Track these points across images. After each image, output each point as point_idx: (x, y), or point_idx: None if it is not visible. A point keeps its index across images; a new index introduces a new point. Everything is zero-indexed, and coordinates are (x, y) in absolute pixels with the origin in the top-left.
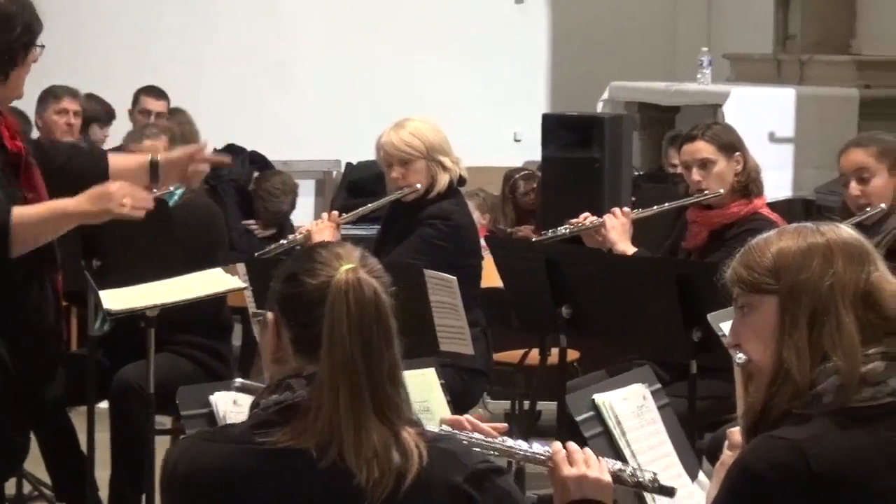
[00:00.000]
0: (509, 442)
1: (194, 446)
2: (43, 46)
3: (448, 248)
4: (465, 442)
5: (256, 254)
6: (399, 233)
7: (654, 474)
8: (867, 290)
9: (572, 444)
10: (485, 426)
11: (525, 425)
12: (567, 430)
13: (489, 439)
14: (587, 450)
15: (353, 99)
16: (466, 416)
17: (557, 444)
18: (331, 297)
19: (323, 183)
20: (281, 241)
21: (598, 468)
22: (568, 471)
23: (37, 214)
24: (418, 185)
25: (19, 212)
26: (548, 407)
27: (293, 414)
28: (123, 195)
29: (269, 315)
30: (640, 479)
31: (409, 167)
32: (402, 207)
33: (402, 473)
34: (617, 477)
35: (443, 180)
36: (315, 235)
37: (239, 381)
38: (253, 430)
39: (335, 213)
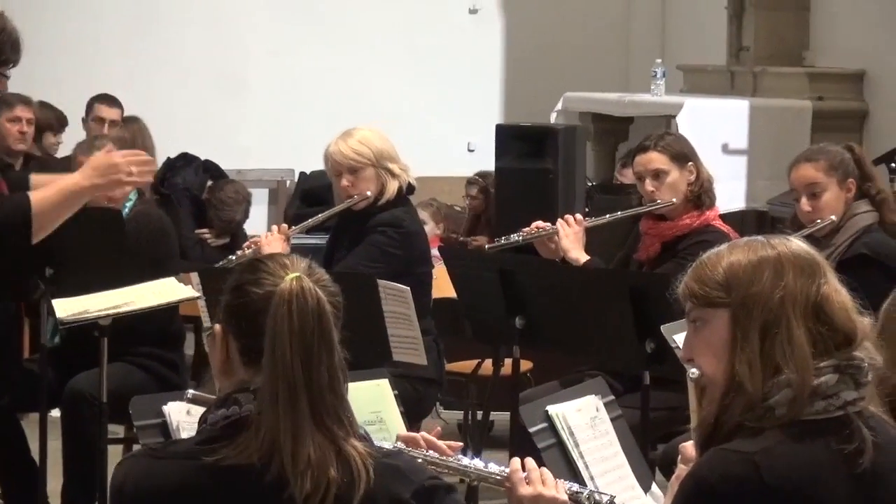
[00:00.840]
0: (465, 461)
1: (141, 464)
2: (8, 77)
3: (399, 256)
4: (417, 459)
5: (204, 267)
6: (350, 241)
7: (612, 497)
8: (818, 302)
9: (530, 463)
10: (440, 444)
11: (478, 436)
12: (520, 441)
13: (444, 458)
14: (544, 469)
15: (306, 108)
16: (422, 433)
17: (515, 463)
18: (273, 306)
19: (276, 192)
20: (230, 258)
21: (555, 487)
22: (524, 490)
23: (51, 198)
24: (368, 193)
25: (36, 198)
26: (500, 417)
27: (240, 429)
28: (129, 163)
29: (217, 327)
30: (598, 501)
31: (359, 175)
32: (352, 216)
33: (347, 489)
34: (574, 498)
35: (392, 187)
36: (264, 248)
37: (191, 392)
38: (200, 446)
39: (284, 225)
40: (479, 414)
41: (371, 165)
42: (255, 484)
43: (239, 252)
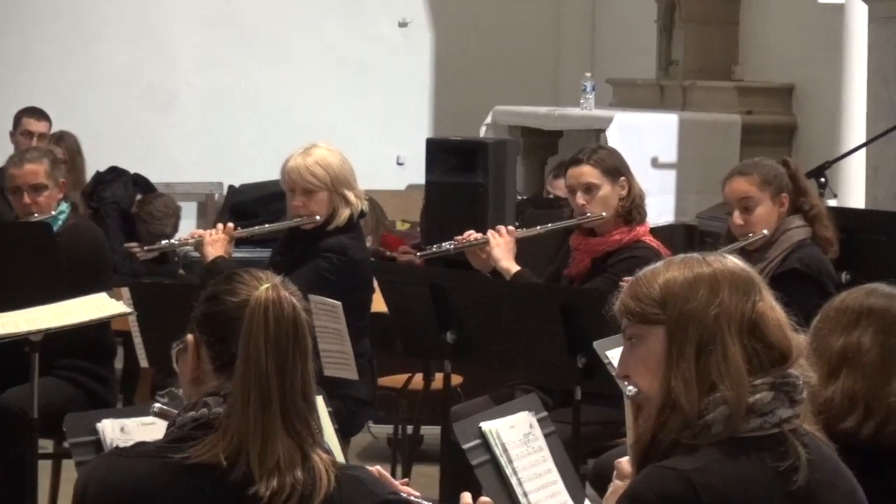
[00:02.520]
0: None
1: (106, 462)
2: None
3: (339, 283)
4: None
5: (146, 247)
6: (294, 258)
7: None
8: (753, 319)
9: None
10: (390, 478)
11: (407, 450)
12: (451, 455)
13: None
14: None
15: (235, 121)
16: (377, 467)
17: (466, 498)
18: (249, 311)
19: (205, 205)
20: (171, 241)
21: None
22: None
23: None
24: (318, 217)
25: None
26: (430, 432)
27: (209, 430)
28: None
29: (190, 337)
30: None
31: (312, 197)
32: (300, 233)
33: (308, 494)
34: None
35: (343, 214)
36: (207, 246)
37: (157, 406)
38: (168, 445)
39: (230, 225)
40: (409, 428)
41: (325, 189)
42: (220, 482)
43: (182, 237)
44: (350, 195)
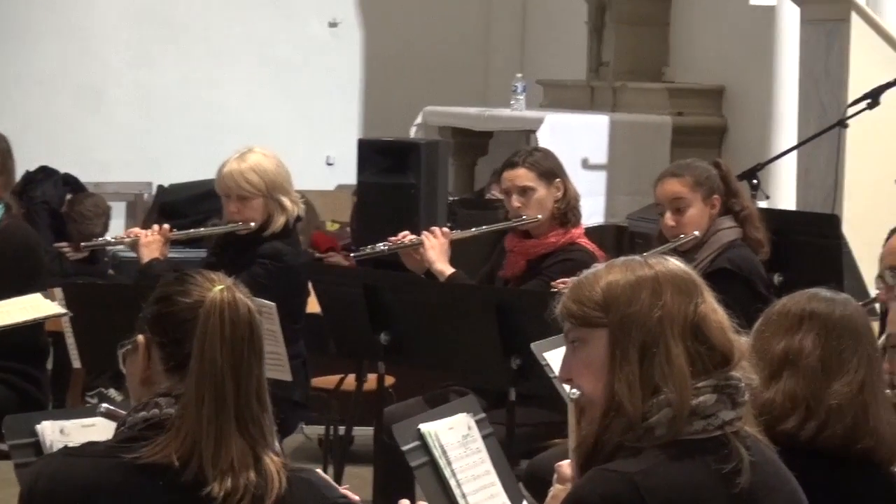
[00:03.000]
0: None
1: (55, 461)
2: None
3: (274, 289)
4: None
5: (83, 244)
6: (228, 261)
7: None
8: (696, 322)
9: None
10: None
11: (339, 451)
12: (383, 456)
13: None
14: None
15: (165, 121)
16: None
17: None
18: (205, 312)
19: (134, 205)
20: (107, 238)
21: None
22: None
23: None
24: (252, 224)
25: None
26: (361, 433)
27: (160, 430)
28: None
29: (140, 338)
30: None
31: (247, 203)
32: (235, 237)
33: (260, 495)
34: None
35: (279, 221)
36: (143, 247)
37: (104, 406)
38: (119, 445)
39: (166, 226)
40: (341, 429)
41: (261, 196)
42: (172, 482)
43: (117, 235)
44: (285, 201)
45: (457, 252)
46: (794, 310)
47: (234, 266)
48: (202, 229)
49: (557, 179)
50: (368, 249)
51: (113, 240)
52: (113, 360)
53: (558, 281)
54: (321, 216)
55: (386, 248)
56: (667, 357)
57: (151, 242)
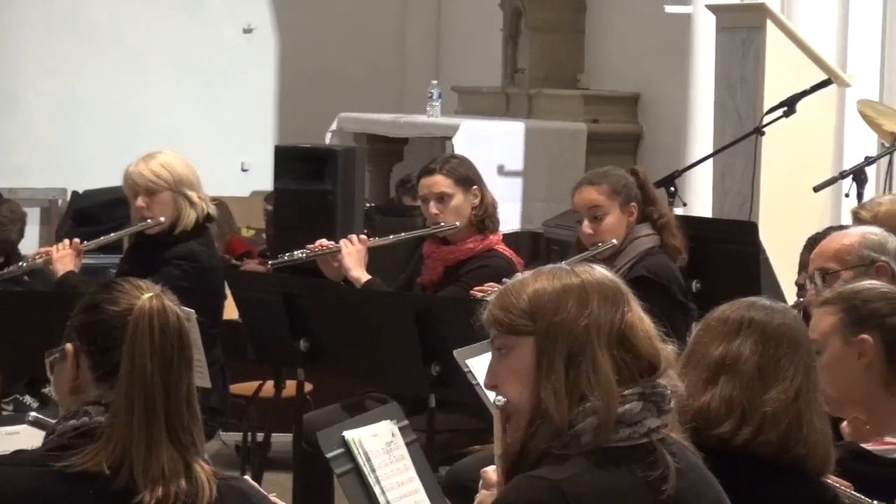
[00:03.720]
0: None
1: None
2: None
3: (192, 290)
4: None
5: None
6: (142, 266)
7: None
8: (622, 330)
9: None
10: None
11: (257, 458)
12: (302, 462)
13: None
14: None
15: (80, 127)
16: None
17: None
18: (134, 320)
19: (49, 211)
20: (20, 263)
21: None
22: None
23: None
24: (162, 219)
25: None
26: (278, 439)
27: (90, 439)
28: None
29: (69, 346)
30: None
31: (155, 198)
32: (148, 240)
33: (191, 503)
34: None
35: (189, 217)
36: (56, 263)
37: (32, 415)
38: (48, 453)
39: (76, 240)
40: (260, 436)
41: (169, 189)
42: (102, 490)
43: (30, 257)
44: (193, 196)
45: (375, 260)
46: (733, 316)
47: (148, 269)
48: (112, 234)
49: (475, 186)
50: (286, 257)
51: (24, 265)
52: (28, 367)
53: (476, 288)
54: (237, 222)
55: (303, 255)
56: (593, 365)
57: (64, 257)
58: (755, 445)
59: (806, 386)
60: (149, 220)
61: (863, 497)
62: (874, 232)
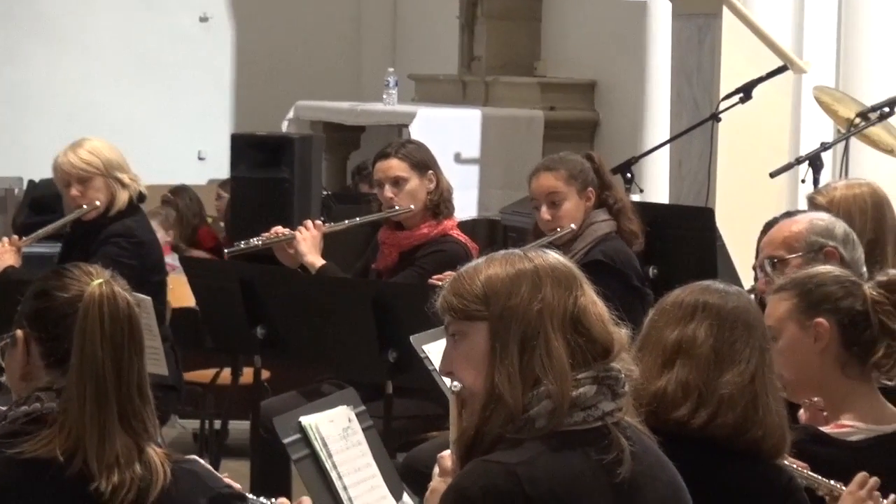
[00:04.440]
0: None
1: None
2: None
3: (133, 266)
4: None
5: None
6: (81, 253)
7: None
8: (576, 314)
9: (305, 500)
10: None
11: (215, 445)
12: (259, 449)
13: None
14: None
15: (35, 116)
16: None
17: (283, 499)
18: (84, 307)
19: (4, 200)
20: None
21: None
22: None
23: None
24: (97, 203)
25: None
26: (235, 426)
27: (42, 425)
28: None
29: (19, 333)
30: None
31: (88, 185)
32: (84, 227)
33: (146, 487)
34: None
35: (122, 198)
36: None
37: None
38: (0, 440)
39: (15, 237)
40: (217, 423)
41: (100, 175)
42: (56, 477)
43: None
44: (124, 177)
45: (331, 247)
46: (687, 300)
47: (88, 253)
48: (49, 226)
49: (430, 171)
50: (242, 245)
51: None
52: None
53: (435, 277)
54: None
55: (259, 242)
56: (546, 349)
57: (4, 254)
58: (712, 428)
59: (761, 368)
60: (85, 206)
61: (819, 477)
62: (822, 218)
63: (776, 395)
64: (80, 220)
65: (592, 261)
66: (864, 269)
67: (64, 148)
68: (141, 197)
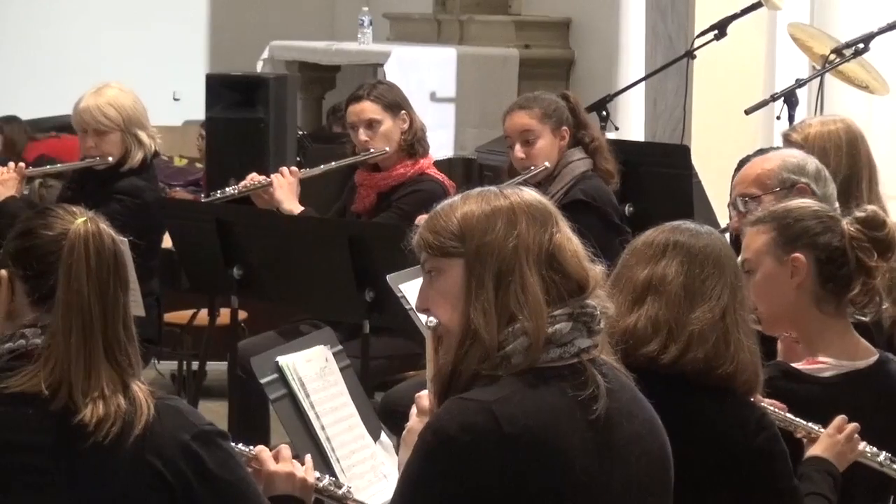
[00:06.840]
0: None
1: None
2: None
3: (133, 226)
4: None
5: None
6: (86, 196)
7: (349, 488)
8: (551, 251)
9: (283, 448)
10: None
11: (193, 386)
12: (237, 390)
13: None
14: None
15: (7, 58)
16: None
17: (261, 446)
18: (69, 244)
19: None
20: None
21: (305, 470)
22: (275, 466)
23: None
24: (110, 158)
25: None
26: (214, 367)
27: (27, 360)
28: None
29: (3, 272)
30: (333, 491)
31: (104, 137)
32: (92, 174)
33: (130, 421)
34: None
35: (137, 156)
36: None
37: None
38: None
39: (21, 164)
40: (195, 364)
41: (118, 130)
42: (41, 410)
43: None
44: (143, 135)
45: (307, 192)
46: (658, 239)
47: (92, 200)
48: (59, 165)
49: (403, 111)
50: (219, 194)
51: None
52: None
53: (419, 218)
54: (168, 152)
55: (235, 191)
56: (522, 286)
57: (7, 181)
58: (682, 364)
59: (732, 305)
60: (97, 158)
61: (797, 419)
62: (794, 154)
63: (749, 332)
64: (90, 168)
65: (573, 200)
66: (837, 205)
67: (87, 92)
68: (155, 153)
